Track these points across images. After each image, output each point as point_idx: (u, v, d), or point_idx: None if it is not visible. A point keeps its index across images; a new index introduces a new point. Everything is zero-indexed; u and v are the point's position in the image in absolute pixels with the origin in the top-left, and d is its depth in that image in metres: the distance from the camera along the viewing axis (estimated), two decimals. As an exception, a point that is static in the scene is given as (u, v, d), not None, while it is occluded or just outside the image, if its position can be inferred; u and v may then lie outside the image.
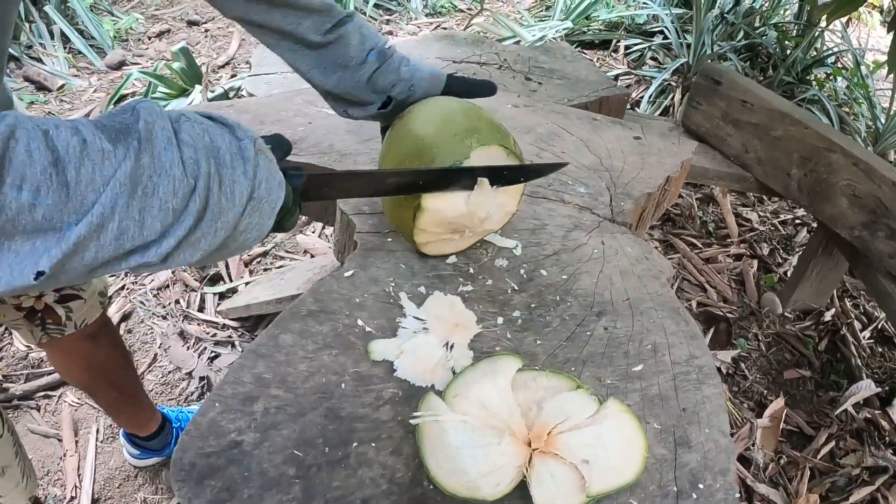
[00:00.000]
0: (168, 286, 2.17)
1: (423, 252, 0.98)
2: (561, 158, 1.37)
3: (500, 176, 0.93)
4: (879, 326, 2.42)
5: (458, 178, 0.89)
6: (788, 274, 2.55)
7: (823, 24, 3.38)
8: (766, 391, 2.09)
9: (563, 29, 4.20)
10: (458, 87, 1.06)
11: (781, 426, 1.97)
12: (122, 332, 2.03)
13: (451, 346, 0.84)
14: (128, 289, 2.16)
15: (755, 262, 2.60)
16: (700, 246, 2.66)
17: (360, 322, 0.86)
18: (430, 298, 0.90)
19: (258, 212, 0.62)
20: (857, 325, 2.38)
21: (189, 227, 0.56)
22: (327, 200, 0.82)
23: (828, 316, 2.37)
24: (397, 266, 0.97)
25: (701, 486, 0.74)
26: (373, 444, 0.71)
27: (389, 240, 1.04)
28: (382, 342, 0.83)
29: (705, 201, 2.96)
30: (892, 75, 2.22)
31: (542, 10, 4.91)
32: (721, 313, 2.30)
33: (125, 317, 2.07)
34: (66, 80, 3.34)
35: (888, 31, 1.96)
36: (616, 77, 3.74)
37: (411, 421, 0.72)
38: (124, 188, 0.51)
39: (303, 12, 0.93)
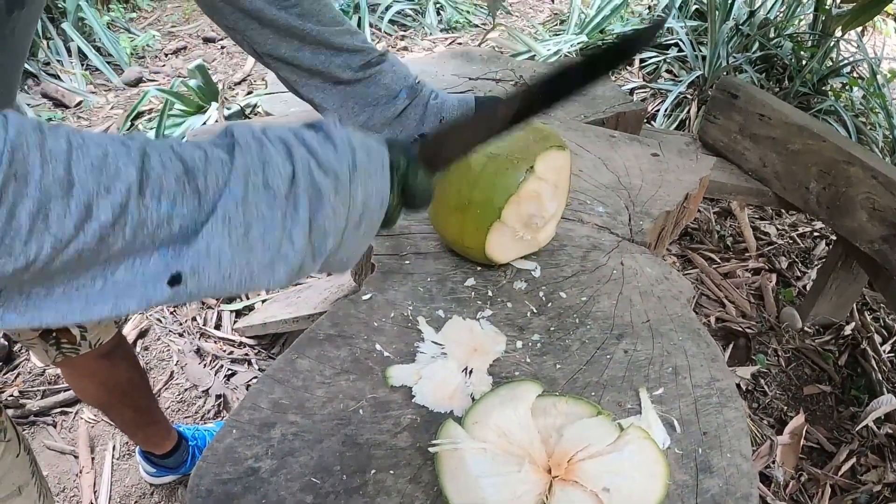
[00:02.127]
0: (185, 304, 2.17)
1: (489, 257, 0.99)
2: (580, 177, 1.36)
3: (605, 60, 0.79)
4: (901, 340, 2.39)
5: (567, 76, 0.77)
6: (807, 288, 2.52)
7: (839, 33, 3.35)
8: (786, 407, 2.06)
9: (578, 43, 4.20)
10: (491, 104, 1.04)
11: (802, 443, 1.94)
12: (138, 349, 2.04)
13: (470, 372, 0.83)
14: (145, 306, 2.16)
15: (774, 276, 2.57)
16: (718, 261, 2.63)
17: (378, 347, 0.86)
18: (449, 323, 0.90)
19: (368, 178, 0.60)
20: (878, 339, 2.34)
21: (307, 207, 0.55)
22: (455, 160, 0.76)
23: (847, 330, 2.34)
24: (415, 289, 0.97)
25: (723, 512, 0.73)
26: (391, 472, 0.70)
27: (407, 262, 1.03)
28: (400, 367, 0.82)
29: (723, 215, 2.93)
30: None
31: (556, 25, 4.91)
32: (740, 329, 2.27)
33: (142, 334, 2.08)
34: (84, 97, 3.38)
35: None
36: (631, 91, 3.73)
37: (430, 449, 0.71)
38: (238, 183, 0.51)
39: (335, 50, 0.93)
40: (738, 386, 2.09)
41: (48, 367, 1.94)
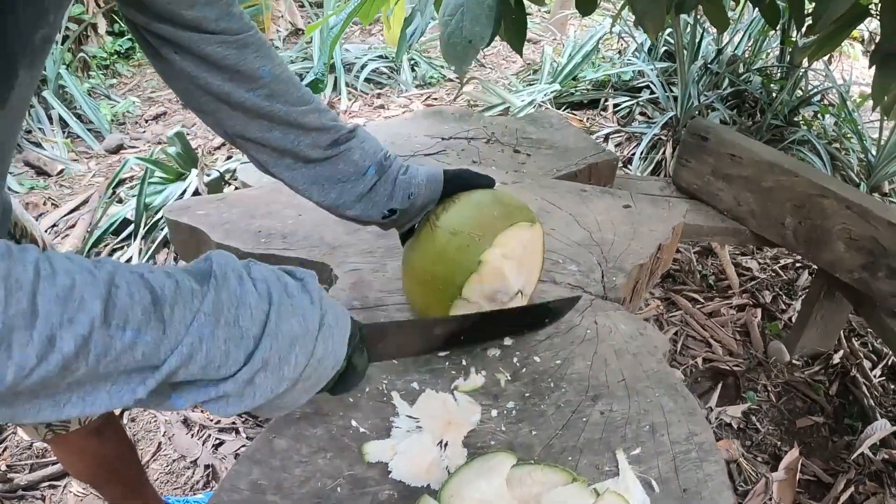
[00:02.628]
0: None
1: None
2: (552, 235, 1.39)
3: (531, 317, 1.04)
4: (890, 363, 2.40)
5: (494, 321, 0.98)
6: (793, 319, 2.54)
7: (806, 64, 3.45)
8: (779, 442, 2.06)
9: (552, 92, 4.29)
10: (457, 181, 1.05)
11: (798, 477, 1.93)
12: (125, 420, 2.03)
13: (445, 445, 0.84)
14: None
15: (758, 311, 2.59)
16: (702, 301, 2.66)
17: (353, 423, 0.87)
18: (423, 396, 0.91)
19: (331, 338, 0.65)
20: (867, 364, 2.36)
21: (268, 351, 0.59)
22: (384, 359, 0.87)
23: (836, 358, 2.36)
24: (390, 363, 0.98)
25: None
26: (369, 556, 0.70)
27: (382, 332, 1.05)
28: (376, 443, 0.83)
29: (704, 254, 2.97)
30: (881, 113, 2.25)
31: (529, 75, 5.02)
32: (728, 368, 2.28)
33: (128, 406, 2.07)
34: (66, 165, 3.42)
35: (870, 66, 2.00)
36: (606, 136, 3.80)
37: (405, 532, 0.71)
38: (209, 319, 0.55)
39: (303, 130, 0.93)
40: (729, 425, 2.09)
41: (39, 441, 1.93)
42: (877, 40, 2.01)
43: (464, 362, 1.00)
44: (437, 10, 1.87)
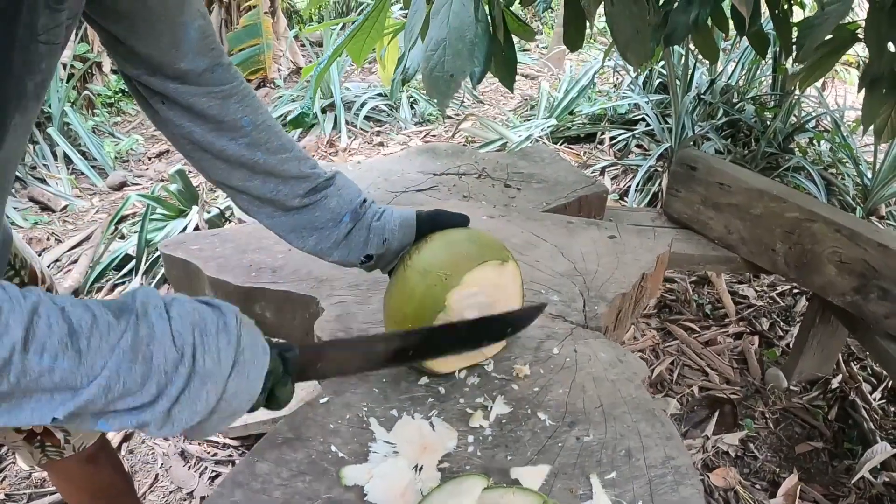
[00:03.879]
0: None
1: (428, 368, 1.02)
2: (535, 267, 1.41)
3: (487, 330, 0.98)
4: (890, 385, 2.40)
5: (443, 336, 0.95)
6: (791, 346, 2.55)
7: (798, 91, 3.49)
8: (778, 469, 2.05)
9: (549, 126, 4.35)
10: (430, 223, 1.07)
11: (798, 503, 1.92)
12: (122, 452, 2.05)
13: (420, 469, 0.85)
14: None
15: (756, 339, 2.60)
16: (698, 330, 2.66)
17: (333, 448, 0.89)
18: (399, 423, 0.93)
19: (245, 376, 0.70)
20: (867, 388, 2.36)
21: (181, 387, 0.64)
22: (326, 377, 0.92)
23: (835, 383, 2.36)
24: (370, 391, 1.00)
25: None
26: (341, 579, 0.72)
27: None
28: (354, 468, 0.85)
29: (700, 284, 2.98)
30: (874, 136, 2.28)
31: (526, 110, 5.09)
32: (725, 396, 2.28)
33: (126, 437, 2.09)
34: (69, 201, 3.49)
35: (859, 90, 2.04)
36: (603, 169, 3.84)
37: (375, 553, 0.73)
38: (126, 355, 0.60)
39: (282, 179, 0.97)
40: (727, 453, 2.09)
41: (34, 469, 1.95)
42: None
43: (442, 391, 1.02)
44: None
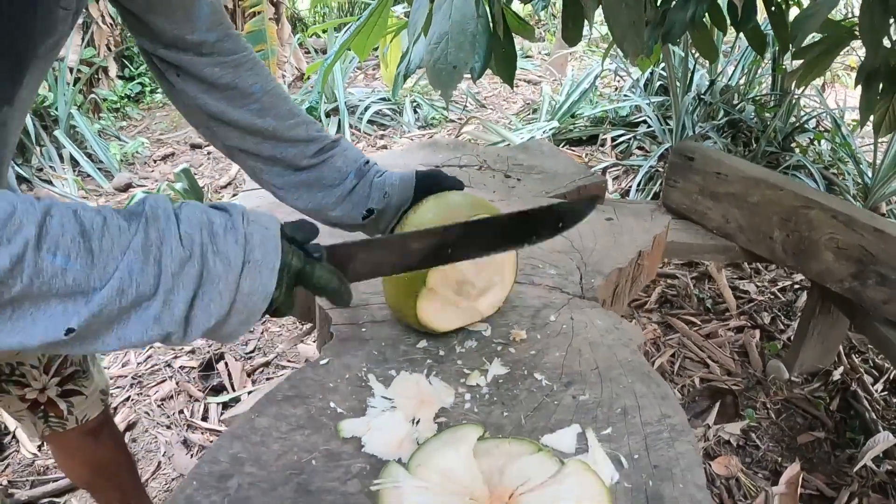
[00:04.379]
0: (172, 397, 2.21)
1: (423, 324, 1.03)
2: (532, 265, 1.43)
3: (527, 227, 0.93)
4: (891, 377, 2.40)
5: (484, 230, 0.91)
6: (792, 339, 2.55)
7: (797, 90, 3.52)
8: (780, 458, 2.06)
9: (550, 129, 4.38)
10: (428, 180, 1.11)
11: (800, 491, 1.92)
12: (126, 440, 2.06)
13: (418, 422, 0.87)
14: (133, 399, 2.20)
15: (757, 332, 2.61)
16: (699, 323, 2.67)
17: (332, 404, 0.90)
18: (397, 378, 0.94)
19: (258, 273, 0.69)
20: (868, 380, 2.36)
21: (194, 289, 0.64)
22: (360, 279, 0.87)
23: (836, 375, 2.36)
24: (370, 353, 1.02)
25: (675, 540, 0.75)
26: (339, 517, 0.73)
27: (364, 329, 1.09)
28: (352, 421, 0.87)
29: (701, 279, 2.99)
30: (872, 131, 2.30)
31: (529, 114, 5.13)
32: (726, 386, 2.29)
33: (130, 426, 2.11)
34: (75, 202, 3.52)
35: (855, 85, 2.06)
36: (604, 170, 3.87)
37: (371, 488, 0.74)
38: (138, 256, 0.61)
39: (291, 142, 1.03)
40: (728, 442, 2.09)
41: (38, 455, 1.98)
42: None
43: (440, 353, 1.04)
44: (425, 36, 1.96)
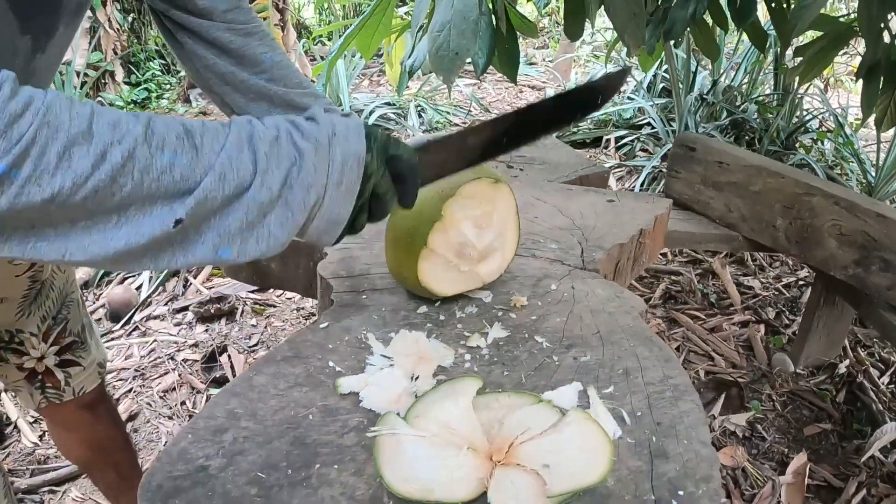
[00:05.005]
0: (175, 388, 2.20)
1: (424, 287, 1.02)
2: (535, 222, 1.43)
3: (571, 107, 0.92)
4: (898, 369, 2.39)
5: (533, 115, 0.89)
6: (797, 334, 2.54)
7: (799, 87, 3.51)
8: (786, 450, 2.04)
9: (555, 136, 4.39)
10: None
11: (808, 482, 1.90)
12: (128, 430, 2.06)
13: (416, 378, 0.86)
14: (135, 391, 2.20)
15: (762, 327, 2.59)
16: (703, 318, 2.66)
17: (330, 363, 0.90)
18: (396, 337, 0.94)
19: (345, 141, 0.70)
20: (875, 373, 2.34)
21: (287, 167, 0.66)
22: (425, 184, 0.85)
23: (842, 368, 2.34)
24: (370, 318, 1.02)
25: (681, 492, 0.73)
26: (335, 467, 0.72)
27: (364, 297, 1.08)
28: (350, 378, 0.86)
29: (705, 276, 2.98)
30: (874, 126, 2.30)
31: (533, 117, 5.12)
32: (731, 378, 2.27)
33: (131, 417, 2.11)
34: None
35: (856, 80, 2.06)
36: (608, 171, 3.86)
37: (368, 434, 0.74)
38: (234, 147, 0.64)
39: (300, 110, 1.01)
40: (734, 433, 2.07)
41: (39, 444, 1.98)
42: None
43: (441, 317, 1.03)
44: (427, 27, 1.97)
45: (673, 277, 2.95)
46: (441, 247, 1.00)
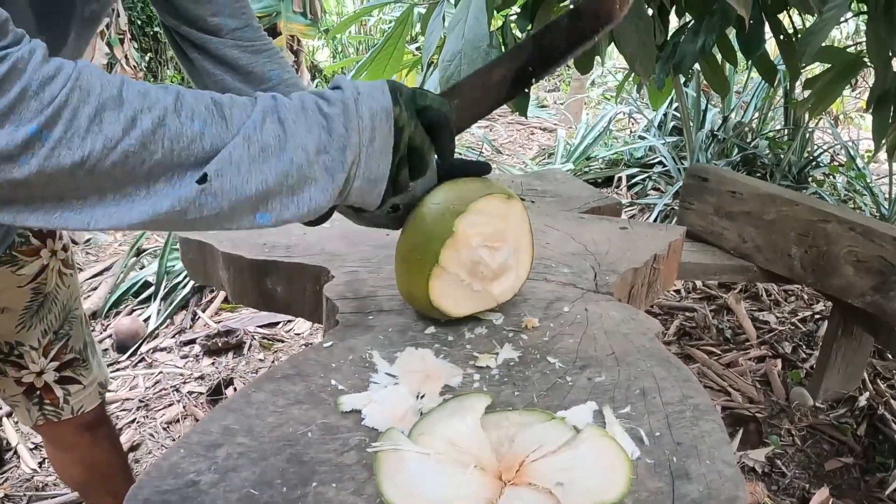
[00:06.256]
0: (178, 420, 2.16)
1: (436, 307, 0.99)
2: (546, 248, 1.40)
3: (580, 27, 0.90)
4: (920, 399, 2.31)
5: (550, 36, 0.88)
6: (814, 367, 2.48)
7: (809, 120, 3.50)
8: (808, 485, 1.96)
9: (566, 171, 4.39)
10: (452, 168, 1.04)
11: (831, 518, 1.83)
12: (129, 461, 2.01)
13: (422, 396, 0.82)
14: (138, 422, 2.16)
15: (779, 362, 2.53)
16: (719, 353, 2.60)
17: (333, 382, 0.86)
18: (402, 354, 0.90)
19: (372, 98, 0.71)
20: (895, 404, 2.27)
21: (318, 132, 0.67)
22: (461, 128, 0.88)
23: (862, 400, 2.28)
24: (375, 337, 0.98)
25: (706, 514, 0.69)
26: (333, 485, 0.68)
27: (371, 317, 1.05)
28: (352, 396, 0.82)
29: (719, 311, 2.93)
30: (887, 157, 2.27)
31: (544, 158, 5.15)
32: (749, 413, 2.20)
33: (134, 447, 2.07)
34: (93, 234, 3.56)
35: (867, 109, 2.04)
36: (622, 208, 3.85)
37: (368, 450, 0.70)
38: (260, 116, 0.65)
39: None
40: (753, 469, 2.00)
41: (38, 471, 1.94)
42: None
43: (449, 338, 1.00)
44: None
45: (687, 314, 2.90)
46: (453, 265, 0.97)
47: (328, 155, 0.67)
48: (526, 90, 0.88)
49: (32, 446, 2.06)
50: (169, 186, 0.59)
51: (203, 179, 0.60)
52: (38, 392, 1.17)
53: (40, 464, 1.99)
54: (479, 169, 1.08)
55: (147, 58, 5.31)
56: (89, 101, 0.54)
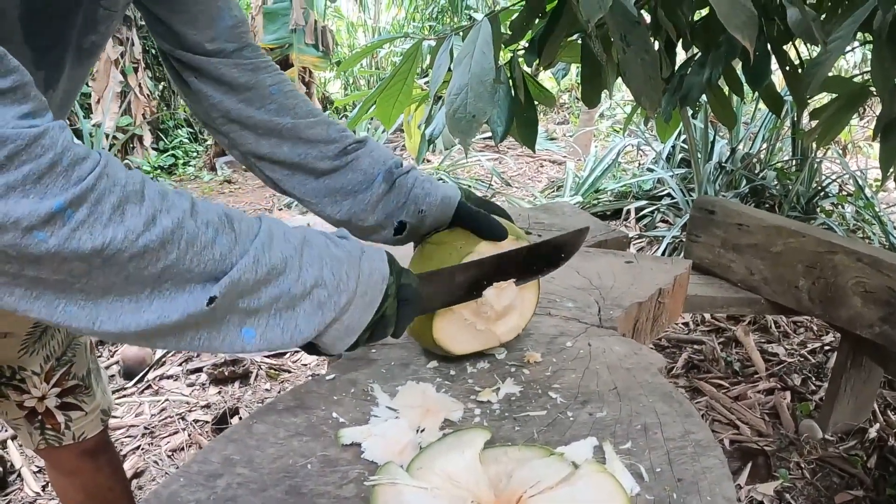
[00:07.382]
0: (183, 448, 2.16)
1: (439, 345, 0.99)
2: (551, 282, 1.41)
3: (540, 256, 1.03)
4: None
5: (512, 260, 0.99)
6: (824, 399, 2.45)
7: (819, 153, 3.51)
8: (818, 521, 1.93)
9: (575, 203, 4.41)
10: (469, 217, 1.03)
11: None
12: (133, 488, 2.01)
13: (422, 431, 0.83)
14: (143, 449, 2.16)
15: (787, 394, 2.50)
16: (727, 386, 2.58)
17: (334, 414, 0.87)
18: (403, 388, 0.91)
19: (373, 259, 0.77)
20: (907, 435, 2.24)
21: (320, 266, 0.70)
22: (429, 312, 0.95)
23: (872, 432, 2.24)
24: (377, 371, 0.99)
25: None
26: (334, 518, 0.69)
27: (373, 351, 1.06)
28: (352, 428, 0.83)
29: (728, 344, 2.91)
30: (895, 186, 2.27)
31: (553, 191, 5.17)
32: (757, 447, 2.17)
33: (137, 474, 2.06)
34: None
35: (874, 138, 2.04)
36: (628, 241, 3.85)
37: (366, 483, 0.70)
38: (265, 238, 0.66)
39: (311, 143, 0.98)
40: (762, 503, 1.97)
41: (41, 495, 1.93)
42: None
43: (451, 372, 1.00)
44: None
45: (695, 346, 2.89)
46: (458, 305, 0.97)
47: (326, 290, 0.70)
48: (478, 295, 0.97)
49: (36, 469, 2.06)
50: (176, 292, 0.60)
51: (212, 300, 0.61)
52: (39, 416, 1.18)
53: (44, 487, 1.99)
54: (498, 214, 1.08)
55: (161, 86, 5.41)
56: (114, 191, 0.54)
